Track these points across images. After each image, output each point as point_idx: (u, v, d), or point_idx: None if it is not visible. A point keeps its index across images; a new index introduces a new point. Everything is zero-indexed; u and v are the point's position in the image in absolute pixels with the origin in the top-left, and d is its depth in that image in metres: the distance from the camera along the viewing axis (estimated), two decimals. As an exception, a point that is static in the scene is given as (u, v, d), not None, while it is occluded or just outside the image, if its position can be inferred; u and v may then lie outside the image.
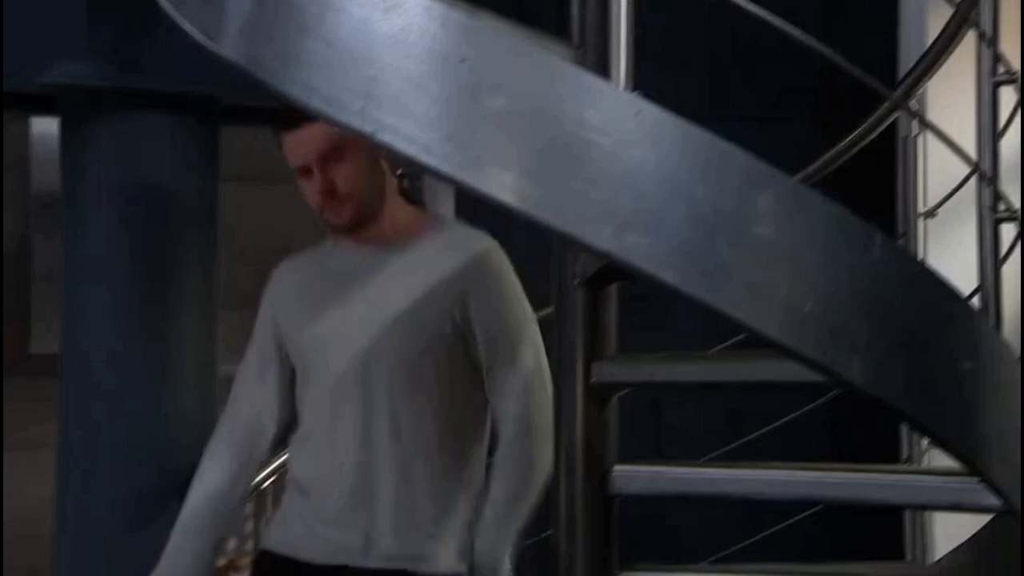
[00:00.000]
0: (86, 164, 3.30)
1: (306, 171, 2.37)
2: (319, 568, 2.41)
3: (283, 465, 2.84)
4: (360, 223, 2.39)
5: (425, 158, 1.41)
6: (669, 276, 1.48)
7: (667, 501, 2.67)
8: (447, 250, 2.38)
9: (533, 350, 2.38)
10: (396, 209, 2.43)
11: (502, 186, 1.42)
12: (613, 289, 2.28)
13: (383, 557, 2.38)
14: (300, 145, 2.34)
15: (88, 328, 3.34)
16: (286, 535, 2.46)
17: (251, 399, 2.51)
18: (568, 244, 2.22)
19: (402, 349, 2.33)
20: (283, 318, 2.47)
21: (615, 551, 2.28)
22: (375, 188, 2.40)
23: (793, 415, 2.66)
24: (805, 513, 2.54)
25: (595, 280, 2.24)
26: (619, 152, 1.43)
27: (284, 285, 2.51)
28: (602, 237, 1.46)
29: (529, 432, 2.35)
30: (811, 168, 2.17)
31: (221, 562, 4.43)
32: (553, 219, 1.46)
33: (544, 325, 2.56)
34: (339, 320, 2.37)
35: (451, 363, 2.35)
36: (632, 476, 2.26)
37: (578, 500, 2.27)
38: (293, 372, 2.50)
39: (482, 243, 2.40)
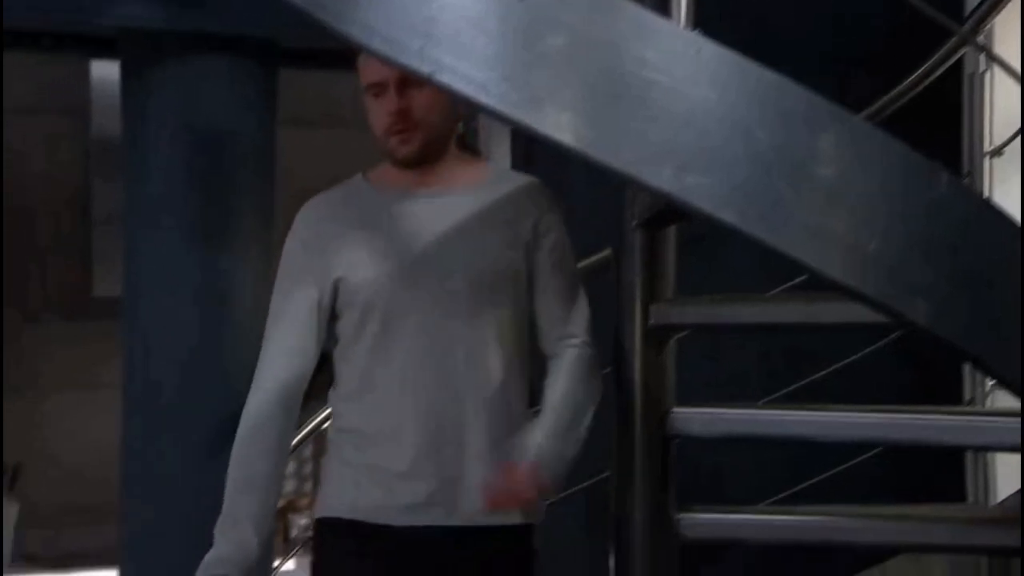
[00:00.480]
0: (147, 107, 3.32)
1: (380, 90, 2.27)
2: (398, 531, 2.27)
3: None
4: (425, 157, 2.31)
5: (483, 98, 1.40)
6: (729, 216, 1.47)
7: (725, 443, 2.66)
8: (512, 193, 2.35)
9: (585, 308, 2.40)
10: (453, 156, 2.37)
11: (560, 126, 1.41)
12: (671, 231, 2.27)
13: (473, 513, 2.24)
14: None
15: (149, 270, 3.38)
16: (354, 498, 2.30)
17: (299, 349, 2.34)
18: (626, 185, 2.21)
19: (483, 290, 2.28)
20: (332, 261, 2.31)
21: (672, 493, 2.28)
22: (445, 125, 2.33)
23: (854, 357, 2.64)
24: (865, 455, 2.53)
25: (653, 222, 2.23)
26: (679, 91, 1.42)
27: (325, 226, 2.35)
28: (661, 177, 1.45)
29: (582, 355, 2.34)
30: (875, 106, 2.14)
31: (281, 503, 4.50)
32: (612, 159, 1.45)
33: (602, 268, 2.55)
34: (410, 264, 2.28)
35: (518, 298, 2.33)
36: (690, 418, 2.26)
37: (635, 442, 2.27)
38: (330, 318, 2.34)
39: (539, 184, 2.40)
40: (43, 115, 5.08)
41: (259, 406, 2.34)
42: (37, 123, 5.06)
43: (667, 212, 2.18)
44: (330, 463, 2.38)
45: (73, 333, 5.09)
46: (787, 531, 2.28)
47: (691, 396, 2.31)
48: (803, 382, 2.65)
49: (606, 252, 2.48)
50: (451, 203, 2.31)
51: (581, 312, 2.37)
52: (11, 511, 4.85)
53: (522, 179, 2.40)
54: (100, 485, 4.72)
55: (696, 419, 2.27)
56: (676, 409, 2.26)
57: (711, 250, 2.59)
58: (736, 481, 2.94)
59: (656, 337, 2.27)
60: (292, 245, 2.39)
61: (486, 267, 2.28)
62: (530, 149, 4.01)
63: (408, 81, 2.24)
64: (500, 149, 4.98)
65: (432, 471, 2.25)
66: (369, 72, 2.28)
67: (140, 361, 3.40)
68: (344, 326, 2.33)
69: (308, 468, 5.19)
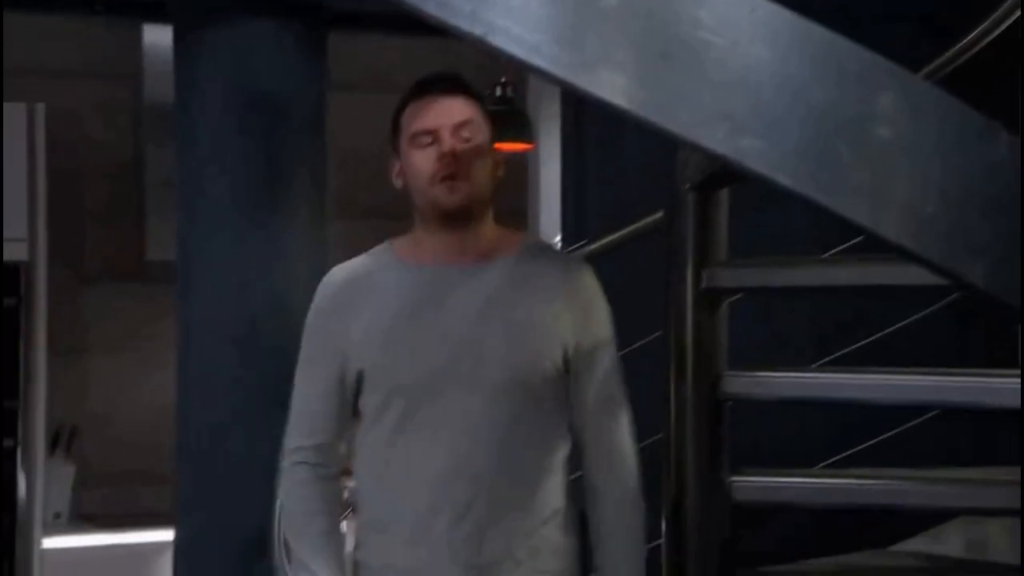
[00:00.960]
0: (198, 72, 3.33)
1: (431, 138, 2.17)
2: None
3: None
4: (468, 212, 2.16)
5: (535, 60, 1.39)
6: (784, 178, 1.45)
7: (777, 406, 2.65)
8: (548, 274, 2.20)
9: (616, 370, 2.23)
10: (489, 226, 2.22)
11: (613, 88, 1.40)
12: (724, 193, 2.26)
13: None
14: (442, 109, 2.18)
15: (202, 233, 3.40)
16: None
17: (323, 413, 2.24)
18: (679, 148, 2.20)
19: (515, 381, 2.13)
20: (353, 338, 2.20)
21: (725, 456, 2.27)
22: (487, 185, 2.19)
23: (909, 319, 2.61)
24: (922, 418, 2.51)
25: (706, 184, 2.22)
26: (734, 52, 1.40)
27: (346, 299, 2.23)
28: (716, 139, 1.43)
29: (613, 457, 2.20)
30: (934, 64, 2.10)
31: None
32: (665, 121, 1.44)
33: (653, 231, 2.54)
34: (436, 347, 2.15)
35: (551, 383, 2.17)
36: (744, 381, 2.25)
37: (688, 405, 2.26)
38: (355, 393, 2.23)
39: (579, 265, 2.27)
40: (95, 80, 5.11)
41: (291, 475, 2.27)
42: (89, 88, 5.09)
43: (721, 174, 2.16)
44: (355, 561, 2.28)
45: (127, 296, 5.13)
46: (840, 495, 2.27)
47: (741, 360, 2.29)
48: (856, 346, 2.63)
49: (658, 215, 2.47)
50: (484, 281, 2.17)
51: (622, 428, 2.21)
52: (68, 472, 4.92)
53: (563, 258, 2.29)
54: (155, 446, 4.77)
55: (749, 382, 2.26)
56: (729, 372, 2.25)
57: (765, 213, 2.57)
58: (801, 441, 2.92)
59: (708, 300, 2.25)
60: (312, 316, 2.29)
61: (520, 358, 2.14)
62: (580, 112, 3.99)
63: (464, 126, 2.17)
64: (549, 112, 4.96)
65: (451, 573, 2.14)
66: (421, 120, 2.19)
67: (194, 324, 3.43)
68: (366, 404, 2.22)
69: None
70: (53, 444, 4.80)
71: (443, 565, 2.14)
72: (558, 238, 4.71)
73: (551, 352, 2.16)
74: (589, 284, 2.22)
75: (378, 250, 2.28)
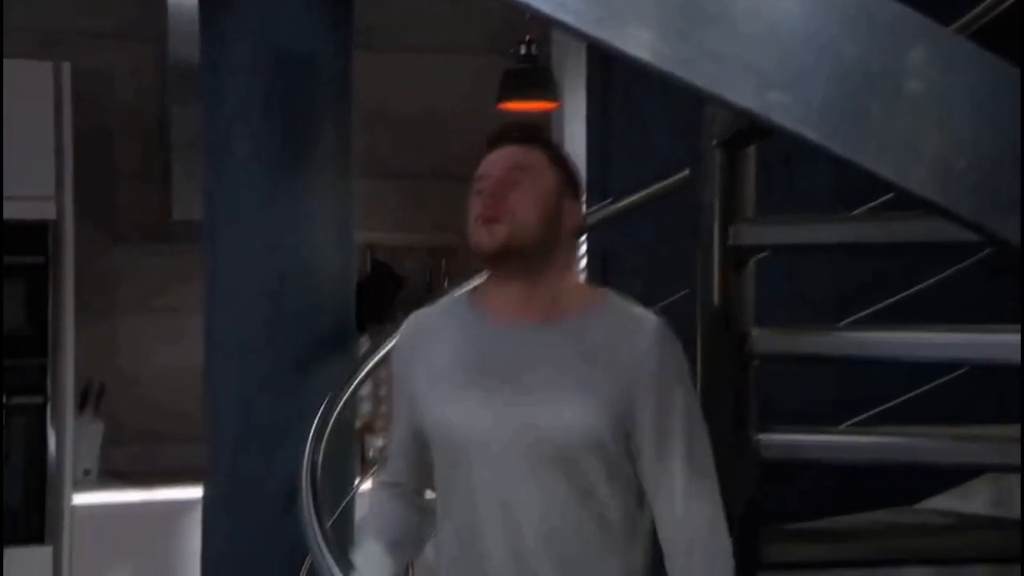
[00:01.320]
0: (224, 32, 3.32)
1: (483, 185, 2.10)
2: None
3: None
4: (508, 255, 2.05)
5: (561, 15, 1.37)
6: (812, 134, 1.43)
7: (804, 364, 2.65)
8: (616, 337, 2.05)
9: (701, 450, 2.04)
10: (562, 281, 2.11)
11: (639, 43, 1.38)
12: (752, 150, 2.24)
13: None
14: (500, 155, 2.10)
15: (228, 193, 3.40)
16: None
17: (403, 454, 2.23)
18: (706, 104, 2.18)
19: (559, 452, 2.01)
20: (416, 385, 2.15)
21: (752, 413, 2.27)
22: (541, 233, 2.06)
23: (939, 276, 2.59)
24: (950, 375, 2.49)
25: (733, 141, 2.21)
26: (763, 5, 1.38)
27: (418, 344, 2.17)
28: (743, 95, 1.42)
29: (694, 553, 2.02)
30: (967, 18, 2.07)
31: (358, 424, 4.55)
32: (692, 76, 1.42)
33: (681, 189, 2.53)
34: (487, 405, 2.06)
35: (611, 462, 2.03)
36: (771, 338, 2.24)
37: (715, 363, 2.26)
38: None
39: (653, 333, 2.05)
40: (121, 40, 5.11)
41: (375, 496, 2.32)
42: (115, 48, 5.09)
43: (748, 131, 2.15)
44: None
45: (154, 255, 5.16)
46: (866, 451, 2.27)
47: (767, 318, 2.29)
48: (883, 304, 2.62)
49: (684, 173, 2.46)
50: (541, 343, 2.06)
51: (704, 488, 2.02)
52: (96, 430, 4.96)
53: (638, 319, 2.07)
54: (182, 404, 4.81)
55: (778, 339, 2.25)
56: (756, 330, 2.25)
57: (793, 169, 2.56)
58: (829, 399, 2.91)
59: (735, 258, 2.25)
60: (394, 355, 2.28)
61: (566, 425, 2.01)
62: (606, 69, 3.97)
63: (516, 168, 2.08)
64: (575, 70, 4.94)
65: None
66: (481, 167, 2.12)
67: (220, 284, 3.44)
68: (433, 455, 2.17)
69: (383, 390, 5.24)
70: (82, 402, 4.84)
71: None
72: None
73: (601, 423, 2.01)
74: (657, 351, 2.03)
75: (459, 296, 2.24)
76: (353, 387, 3.10)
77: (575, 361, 2.03)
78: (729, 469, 2.21)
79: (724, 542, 2.02)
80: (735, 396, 2.25)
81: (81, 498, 4.59)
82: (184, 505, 4.59)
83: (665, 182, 2.70)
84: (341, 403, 3.05)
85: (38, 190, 4.54)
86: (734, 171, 2.22)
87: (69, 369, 4.56)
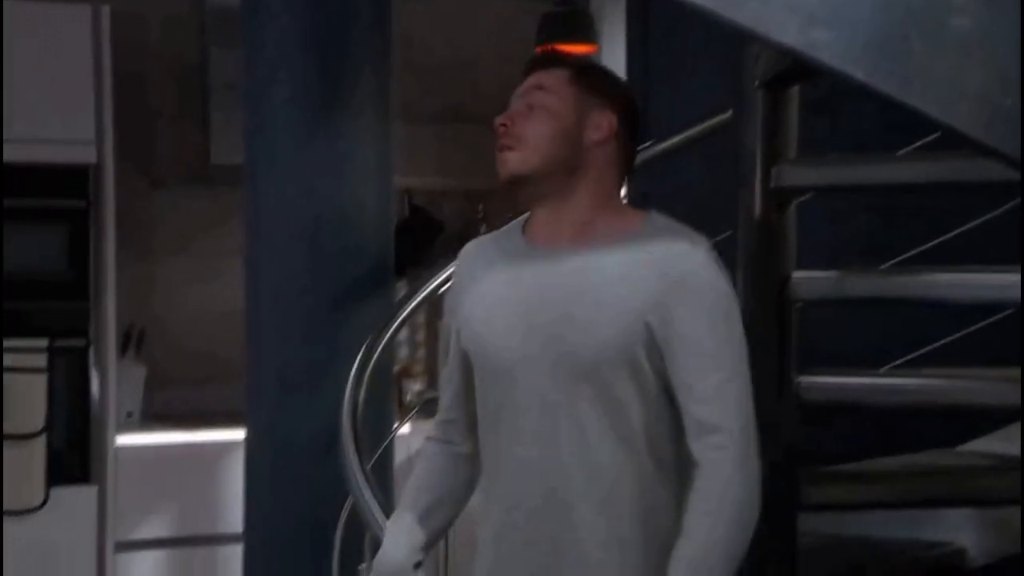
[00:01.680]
0: (263, -27, 3.32)
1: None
2: None
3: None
4: (525, 183, 2.03)
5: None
6: (858, 72, 1.43)
7: (846, 307, 2.63)
8: (657, 255, 1.99)
9: (735, 389, 1.97)
10: (599, 202, 2.05)
11: (684, -19, 1.37)
12: (795, 90, 2.22)
13: None
14: (523, 87, 2.08)
15: (268, 137, 3.41)
16: None
17: (453, 385, 2.19)
18: (749, 43, 2.16)
19: (589, 371, 1.98)
20: (462, 310, 2.12)
21: (793, 356, 2.27)
22: (552, 151, 2.03)
23: (984, 217, 2.57)
24: (994, 317, 2.48)
25: (777, 81, 2.18)
26: (808, -59, 1.37)
27: (469, 268, 2.14)
28: (787, 33, 1.41)
29: (728, 460, 1.95)
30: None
31: (396, 369, 4.58)
32: (735, 15, 1.41)
33: (722, 130, 2.51)
34: (521, 327, 2.03)
35: (643, 380, 1.98)
36: (813, 281, 2.23)
37: (756, 306, 2.25)
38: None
39: (692, 260, 2.00)
40: (159, -17, 5.12)
41: (424, 447, 2.25)
42: (154, -9, 5.10)
43: (791, 71, 2.13)
44: None
45: (193, 199, 5.18)
46: (908, 394, 2.26)
47: (809, 261, 2.28)
48: (928, 244, 2.60)
49: (727, 114, 2.44)
50: (574, 264, 2.02)
51: (731, 396, 1.96)
52: (138, 372, 5.02)
53: (684, 237, 2.03)
54: (223, 347, 4.84)
55: (820, 282, 2.24)
56: (798, 273, 2.24)
57: (837, 110, 2.53)
58: (869, 342, 2.90)
59: (777, 200, 2.23)
60: (451, 288, 2.24)
61: (594, 341, 1.97)
62: (646, 9, 3.93)
63: (537, 89, 2.05)
64: (614, 12, 4.89)
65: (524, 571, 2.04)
66: (521, 87, 2.11)
67: (260, 227, 3.46)
68: (475, 379, 2.14)
69: (420, 335, 5.26)
70: (124, 345, 4.89)
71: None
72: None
73: (628, 336, 1.96)
74: (692, 267, 1.99)
75: (514, 223, 2.17)
76: (392, 331, 3.11)
77: (610, 278, 1.99)
78: (770, 412, 2.21)
79: (746, 479, 1.94)
80: (776, 339, 2.25)
81: (124, 439, 4.65)
82: (225, 447, 4.64)
83: (706, 124, 2.68)
84: (380, 346, 3.06)
85: (78, 134, 4.56)
86: (777, 112, 2.20)
87: (111, 312, 4.60)
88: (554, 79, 2.07)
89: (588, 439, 1.99)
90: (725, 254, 2.33)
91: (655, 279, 1.97)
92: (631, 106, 2.11)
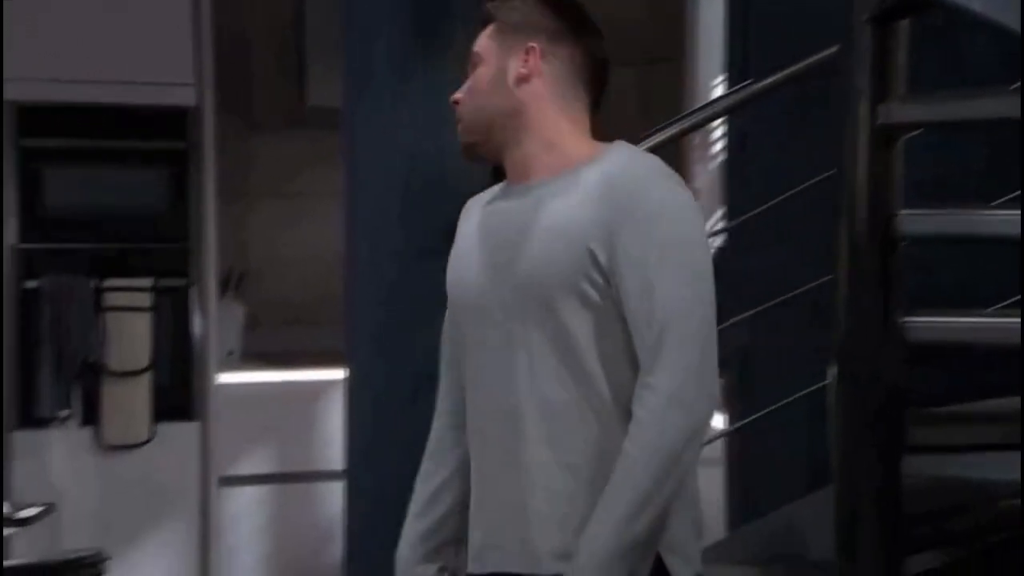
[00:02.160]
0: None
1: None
2: None
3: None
4: (471, 149, 2.03)
5: None
6: (974, 3, 1.39)
7: (952, 247, 2.59)
8: (598, 186, 1.91)
9: (680, 327, 1.84)
10: (552, 140, 1.99)
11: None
12: (904, 24, 2.17)
13: (536, 558, 1.92)
14: (474, 46, 2.07)
15: (367, 84, 3.43)
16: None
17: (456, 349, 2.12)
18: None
19: (541, 302, 1.90)
20: (449, 263, 2.09)
21: (898, 296, 2.24)
22: (483, 113, 2.00)
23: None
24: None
25: (886, 15, 2.14)
26: None
27: (465, 218, 2.11)
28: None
29: (652, 419, 1.83)
30: None
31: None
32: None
33: (828, 65, 2.46)
34: (480, 268, 2.00)
35: (596, 312, 1.90)
36: (919, 220, 2.20)
37: (861, 246, 2.22)
38: None
39: (639, 183, 1.90)
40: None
41: (431, 437, 2.17)
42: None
43: (901, 4, 2.08)
44: None
45: (291, 141, 5.23)
46: (1016, 334, 2.22)
47: (913, 198, 2.24)
48: (1039, 183, 2.54)
49: (833, 49, 2.39)
50: (532, 196, 1.96)
51: (673, 335, 1.83)
52: (238, 312, 5.10)
53: (626, 161, 1.95)
54: (319, 288, 4.91)
55: (928, 220, 2.20)
56: (904, 211, 2.20)
57: (949, 44, 2.47)
58: (975, 282, 2.85)
59: (884, 137, 2.19)
60: None
61: (536, 274, 1.90)
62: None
63: (471, 72, 2.04)
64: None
65: (492, 505, 1.98)
66: None
67: (359, 175, 3.49)
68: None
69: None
70: (224, 286, 4.97)
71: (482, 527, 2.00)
72: (720, 79, 4.62)
73: (571, 263, 1.88)
74: (638, 190, 1.89)
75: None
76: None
77: (558, 207, 1.92)
78: (875, 352, 2.19)
79: (670, 429, 1.82)
80: (881, 278, 2.22)
81: (225, 377, 4.75)
82: (323, 386, 4.72)
83: (813, 58, 2.64)
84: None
85: (177, 77, 4.62)
86: (885, 47, 2.15)
87: (211, 253, 4.69)
88: (483, 42, 2.04)
89: (538, 374, 1.91)
90: (825, 193, 2.31)
91: (600, 205, 1.89)
92: (563, 17, 2.02)
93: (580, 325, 1.89)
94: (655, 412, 1.82)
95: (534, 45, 2.00)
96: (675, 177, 1.95)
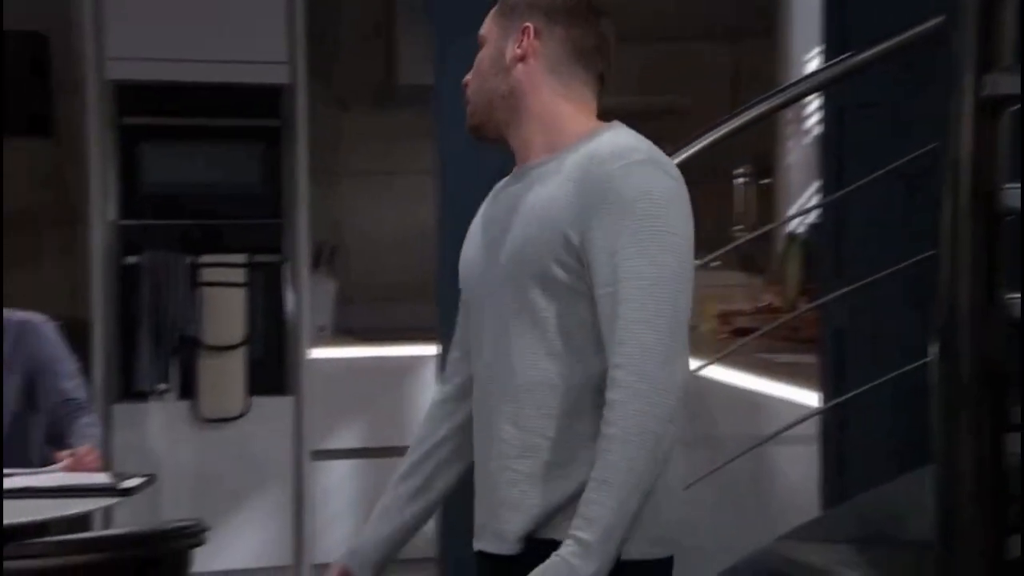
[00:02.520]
0: None
1: None
2: (480, 560, 2.03)
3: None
4: (481, 132, 2.04)
5: None
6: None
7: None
8: (577, 169, 1.89)
9: (647, 317, 1.81)
10: (550, 123, 1.98)
11: None
12: (1013, -7, 2.13)
13: (506, 539, 1.93)
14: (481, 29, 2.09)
15: (458, 62, 3.42)
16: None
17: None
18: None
19: (520, 286, 1.90)
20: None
21: (1001, 272, 2.20)
22: (486, 96, 2.01)
23: None
24: None
25: (994, -17, 2.10)
26: None
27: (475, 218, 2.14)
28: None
29: (619, 406, 1.81)
30: None
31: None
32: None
33: (934, 36, 2.42)
34: (477, 251, 2.04)
35: (568, 297, 1.88)
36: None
37: (962, 220, 2.19)
38: None
39: (614, 166, 1.86)
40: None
41: (424, 416, 2.19)
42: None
43: (1010, -28, 2.04)
44: None
45: (381, 119, 5.26)
46: None
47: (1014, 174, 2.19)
48: None
49: (939, 19, 2.35)
50: (527, 179, 1.97)
51: (639, 326, 1.81)
52: (330, 288, 5.16)
53: (608, 143, 1.91)
54: (410, 264, 4.95)
55: (1033, 194, 2.15)
56: (1009, 185, 2.16)
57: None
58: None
59: (989, 109, 2.15)
60: None
61: (515, 257, 1.91)
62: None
63: (478, 56, 2.05)
64: None
65: (479, 481, 2.01)
66: None
67: (450, 147, 3.49)
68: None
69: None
70: (315, 262, 5.02)
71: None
72: (815, 52, 4.55)
73: (545, 247, 1.87)
74: (612, 174, 1.85)
75: None
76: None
77: (543, 191, 1.91)
78: (977, 329, 2.16)
79: (630, 425, 1.79)
80: (984, 255, 2.18)
81: (317, 352, 4.80)
82: (413, 361, 4.75)
83: (919, 28, 2.59)
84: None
85: (270, 55, 4.67)
86: (993, 15, 2.11)
87: (303, 229, 4.74)
88: (487, 24, 2.06)
89: (512, 354, 1.91)
90: (929, 166, 2.27)
91: (578, 188, 1.87)
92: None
93: (549, 307, 1.89)
94: (625, 394, 1.80)
95: (529, 25, 2.00)
96: (662, 162, 1.91)
